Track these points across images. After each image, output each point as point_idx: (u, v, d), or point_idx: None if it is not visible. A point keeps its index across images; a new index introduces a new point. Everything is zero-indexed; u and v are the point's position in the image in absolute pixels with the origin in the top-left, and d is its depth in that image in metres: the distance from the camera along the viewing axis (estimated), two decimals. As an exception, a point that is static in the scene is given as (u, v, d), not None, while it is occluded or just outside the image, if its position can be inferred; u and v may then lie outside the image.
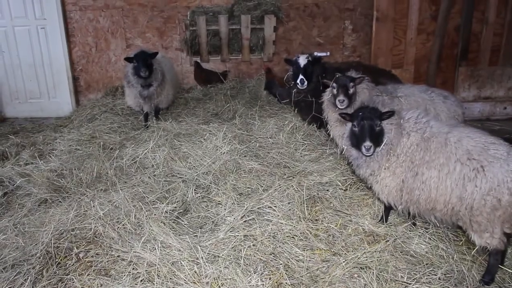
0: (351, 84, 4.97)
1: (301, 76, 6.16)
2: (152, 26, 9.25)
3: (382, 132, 4.00)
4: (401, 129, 4.04)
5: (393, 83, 6.37)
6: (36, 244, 4.17)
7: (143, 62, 6.82)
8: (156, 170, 5.55)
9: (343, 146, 4.35)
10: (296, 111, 6.84)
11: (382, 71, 7.21)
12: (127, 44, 9.29)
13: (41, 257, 3.99)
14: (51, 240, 4.13)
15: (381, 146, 4.00)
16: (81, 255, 4.01)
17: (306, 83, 6.16)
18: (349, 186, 5.11)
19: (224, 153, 5.75)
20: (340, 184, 5.10)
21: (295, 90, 6.39)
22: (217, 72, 9.21)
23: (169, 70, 7.80)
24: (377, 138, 3.98)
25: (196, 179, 5.28)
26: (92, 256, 3.99)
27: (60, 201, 5.03)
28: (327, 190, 5.00)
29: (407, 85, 5.80)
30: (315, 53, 6.84)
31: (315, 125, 6.69)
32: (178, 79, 8.74)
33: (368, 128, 3.96)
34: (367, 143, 3.93)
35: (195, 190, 5.04)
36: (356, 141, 4.08)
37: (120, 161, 5.86)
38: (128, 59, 6.96)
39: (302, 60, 6.25)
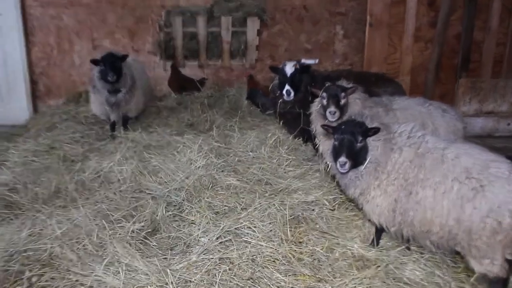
0: (343, 94, 5.05)
1: (287, 87, 6.15)
2: (122, 26, 9.26)
3: (365, 149, 4.06)
4: (391, 144, 4.10)
5: (393, 90, 6.47)
6: (-19, 267, 4.10)
7: (111, 65, 6.82)
8: (122, 185, 5.52)
9: (328, 162, 4.40)
10: (281, 123, 6.86)
11: (378, 76, 7.23)
12: (94, 45, 9.27)
13: (-13, 282, 3.92)
14: (-1, 262, 4.06)
15: (364, 164, 4.06)
16: (33, 279, 3.93)
17: (293, 94, 6.16)
18: (337, 205, 5.14)
19: (199, 167, 5.75)
20: (327, 203, 5.13)
21: (281, 100, 6.40)
22: (193, 78, 9.24)
23: (140, 75, 7.81)
24: (356, 155, 4.04)
25: (167, 195, 5.26)
26: (47, 281, 3.92)
27: (11, 219, 4.94)
28: (313, 209, 5.03)
29: (403, 98, 5.91)
30: (303, 60, 6.92)
31: (301, 139, 6.73)
32: (150, 85, 8.75)
33: (347, 143, 4.02)
34: (342, 159, 3.98)
35: (165, 207, 5.01)
36: (334, 156, 4.15)
37: (82, 175, 5.81)
38: (94, 62, 6.95)
39: (289, 68, 6.26)
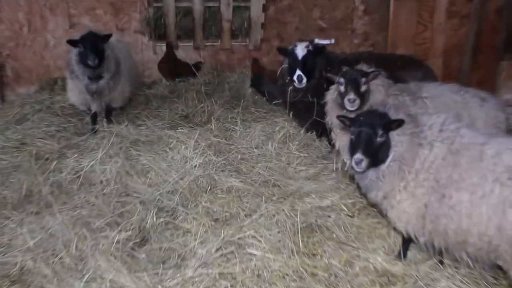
0: (363, 79, 5.05)
1: (298, 71, 6.18)
2: (105, 1, 9.27)
3: (386, 145, 4.06)
4: (419, 139, 4.09)
5: (422, 75, 6.46)
6: None
7: (92, 47, 6.80)
8: (106, 187, 5.55)
9: (345, 160, 4.41)
10: (291, 115, 6.89)
11: (405, 59, 7.21)
12: (71, 23, 9.27)
13: None
14: (-39, 278, 4.09)
15: (387, 162, 4.07)
16: (2, 297, 3.99)
17: (305, 80, 6.19)
18: (357, 211, 5.17)
19: (195, 166, 5.78)
20: (345, 209, 5.15)
21: (291, 88, 6.41)
22: (188, 62, 9.26)
23: (126, 59, 7.80)
24: (376, 152, 4.04)
25: (159, 199, 5.29)
26: (18, 299, 3.97)
27: (-25, 228, 4.99)
28: (329, 216, 5.05)
29: (435, 84, 5.90)
30: (316, 41, 6.91)
31: (314, 133, 6.75)
32: (138, 71, 8.77)
33: (365, 137, 4.02)
34: (358, 156, 3.98)
35: (156, 214, 5.04)
36: (351, 152, 4.15)
37: (58, 176, 5.84)
38: (72, 43, 6.93)
39: (301, 50, 6.28)
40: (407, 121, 4.10)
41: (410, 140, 4.07)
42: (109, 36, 7.14)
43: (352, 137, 4.12)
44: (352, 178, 4.81)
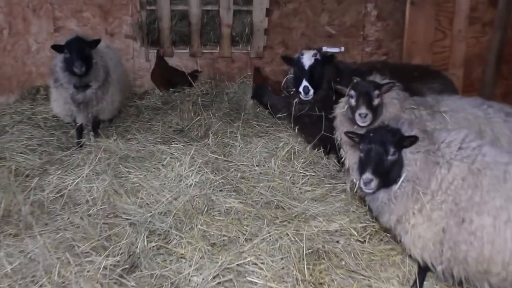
0: (376, 92, 5.08)
1: (305, 82, 6.16)
2: (93, 3, 9.33)
3: (399, 164, 4.07)
4: (435, 157, 4.10)
5: (441, 87, 6.47)
6: None
7: (79, 52, 6.81)
8: (92, 207, 5.55)
9: (354, 179, 4.42)
10: (296, 130, 6.89)
11: (422, 69, 7.22)
12: (56, 26, 9.34)
13: None
14: None
15: (399, 183, 4.07)
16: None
17: (312, 92, 6.17)
18: (368, 236, 5.16)
19: (191, 185, 5.79)
20: (355, 233, 5.15)
21: (296, 100, 6.41)
22: (184, 71, 9.29)
23: (116, 66, 7.83)
24: (387, 171, 4.05)
25: (150, 221, 5.28)
26: (-6, 332, 3.97)
27: None
28: (337, 241, 5.05)
29: (454, 97, 5.91)
30: (325, 49, 6.94)
31: (322, 150, 6.77)
32: (128, 80, 8.80)
33: (375, 155, 4.04)
34: (367, 175, 3.99)
35: (147, 237, 5.03)
36: (360, 171, 4.17)
37: (39, 194, 5.83)
38: (56, 48, 6.96)
39: (308, 59, 6.28)
40: (422, 138, 4.11)
41: (425, 158, 4.08)
42: (98, 41, 7.15)
43: (362, 155, 4.15)
44: (362, 200, 4.81)
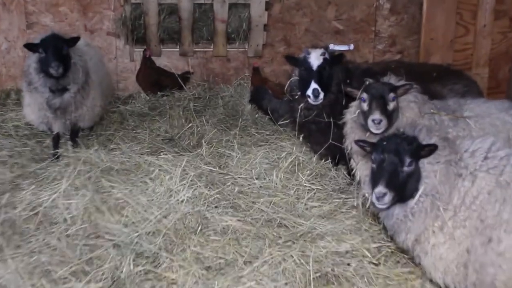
0: (391, 95, 5.12)
1: (314, 85, 6.13)
2: (70, -5, 9.36)
3: (416, 176, 4.08)
4: (458, 168, 4.12)
5: (464, 89, 6.51)
6: None
7: (55, 52, 6.83)
8: (70, 227, 5.54)
9: (366, 194, 4.46)
10: (301, 138, 6.89)
11: (442, 69, 7.25)
12: (29, 22, 9.35)
13: None
14: None
15: (416, 198, 4.08)
16: None
17: (322, 95, 6.13)
18: (383, 258, 5.16)
19: (182, 201, 5.79)
20: (368, 254, 5.14)
21: (302, 105, 6.40)
22: (173, 72, 9.34)
23: (97, 67, 7.87)
24: (402, 184, 4.05)
25: (137, 243, 5.26)
26: None
27: None
28: (348, 264, 5.04)
29: (479, 100, 5.94)
30: (332, 46, 6.95)
31: (330, 160, 6.81)
32: (111, 82, 8.82)
33: (388, 167, 4.05)
34: (379, 189, 3.99)
35: (134, 260, 5.01)
36: (372, 184, 4.18)
37: (11, 212, 5.81)
38: (30, 47, 6.99)
39: (316, 58, 6.28)
40: (442, 146, 4.13)
41: (446, 170, 4.09)
42: (76, 39, 7.17)
43: (374, 166, 4.16)
44: (376, 217, 4.82)
